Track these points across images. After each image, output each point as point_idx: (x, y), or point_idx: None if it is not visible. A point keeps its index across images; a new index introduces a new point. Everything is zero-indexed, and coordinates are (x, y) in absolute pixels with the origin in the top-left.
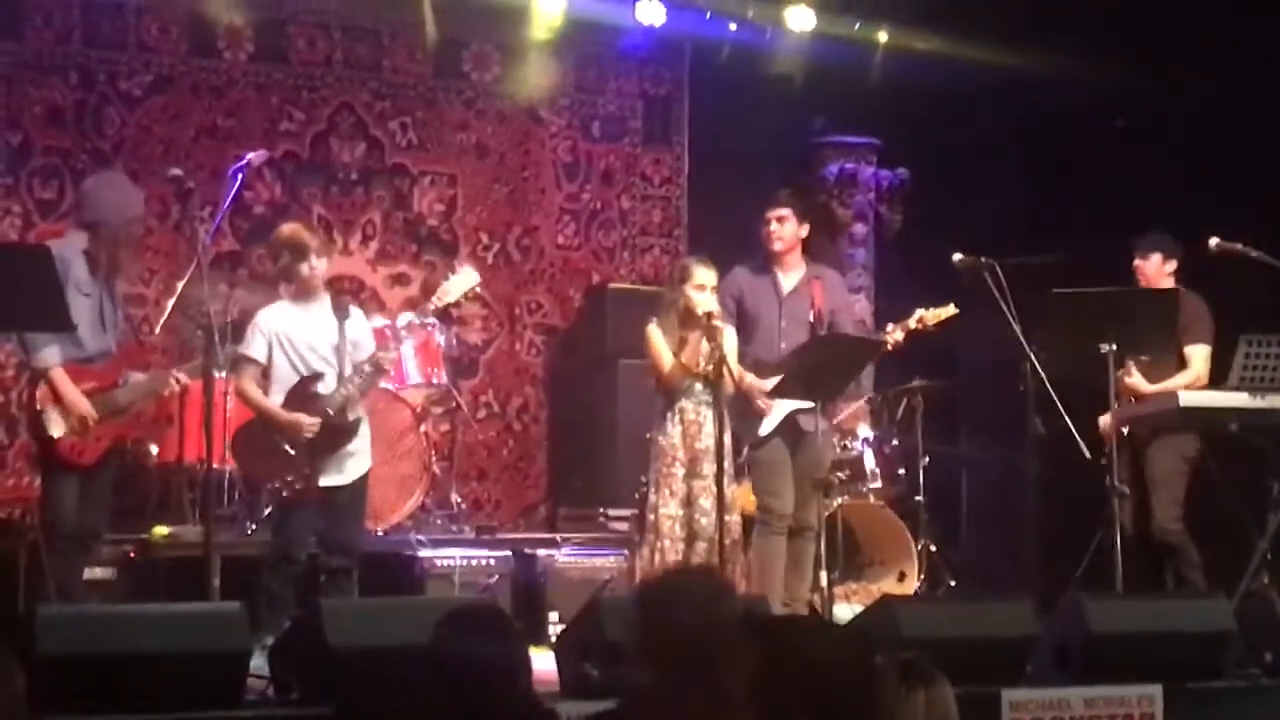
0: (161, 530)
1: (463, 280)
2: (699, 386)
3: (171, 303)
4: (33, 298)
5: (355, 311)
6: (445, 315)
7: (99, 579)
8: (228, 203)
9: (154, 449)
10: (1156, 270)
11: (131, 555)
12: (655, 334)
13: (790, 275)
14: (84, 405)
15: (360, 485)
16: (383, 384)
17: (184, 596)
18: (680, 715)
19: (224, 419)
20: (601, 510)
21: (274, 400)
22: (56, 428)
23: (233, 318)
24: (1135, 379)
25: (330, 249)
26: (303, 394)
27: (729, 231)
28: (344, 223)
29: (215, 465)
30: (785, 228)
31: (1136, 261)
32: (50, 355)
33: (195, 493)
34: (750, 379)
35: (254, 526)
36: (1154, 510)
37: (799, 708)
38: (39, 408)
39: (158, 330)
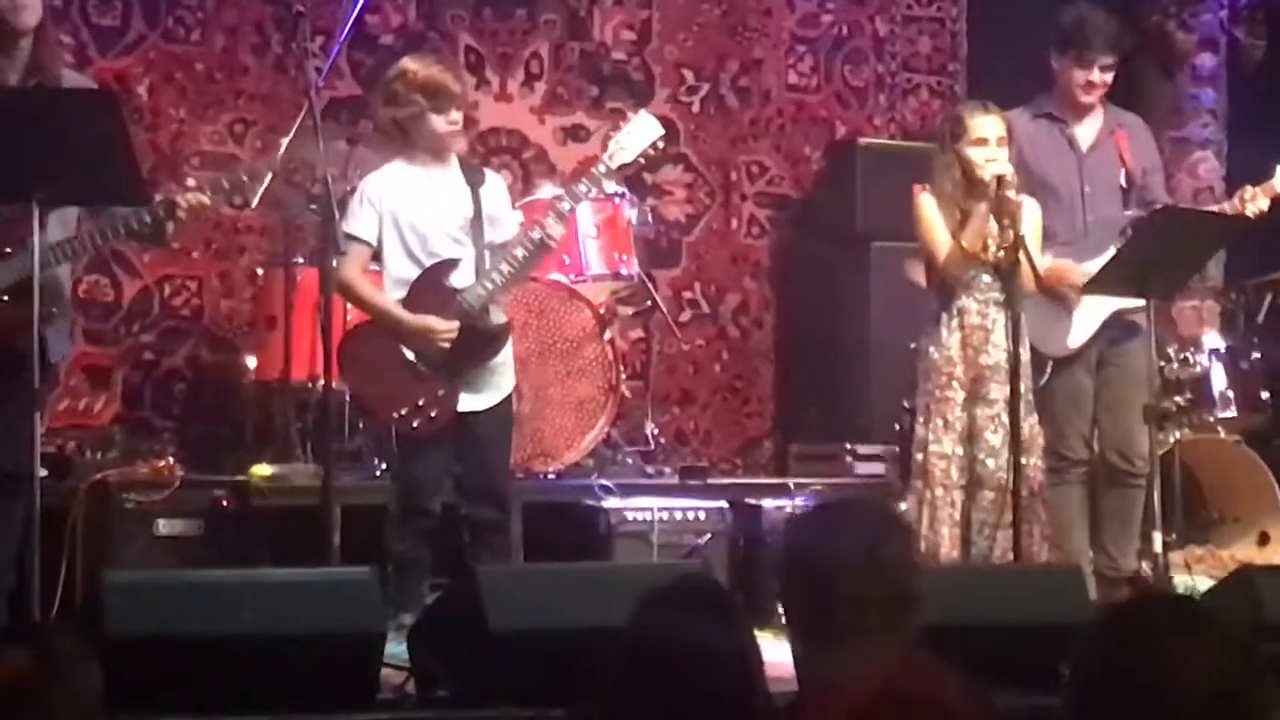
0: (262, 470)
1: (639, 133)
2: (986, 278)
3: (273, 166)
4: (93, 161)
5: (492, 177)
6: (636, 183)
7: (179, 534)
8: (346, 31)
9: (251, 361)
10: None
11: (224, 503)
12: (927, 205)
13: (1088, 125)
14: None
15: (504, 411)
16: (555, 276)
17: (294, 560)
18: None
19: (344, 321)
20: (849, 447)
21: (391, 296)
22: None
23: (354, 185)
24: None
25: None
26: (433, 288)
27: (1021, 67)
28: (499, 57)
29: (336, 384)
30: (1109, 77)
31: None
32: None
33: (307, 420)
34: (1060, 265)
35: (384, 466)
36: None
37: None
38: None
39: (255, 203)
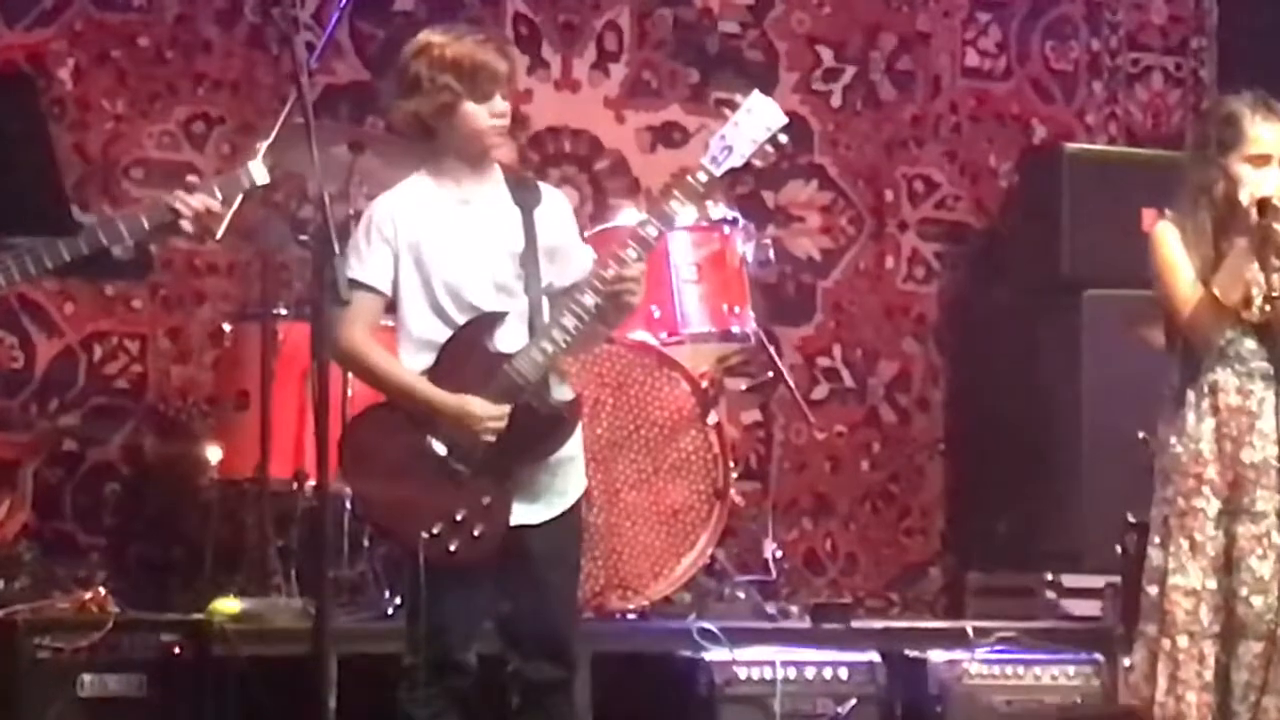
0: (228, 607)
1: (753, 122)
2: (1249, 344)
3: (247, 180)
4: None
5: (550, 194)
6: (753, 204)
7: (113, 694)
8: None
9: (213, 454)
10: None
11: (175, 651)
12: (1168, 239)
13: None
14: None
15: (571, 525)
16: (640, 335)
17: None
18: None
19: (344, 397)
20: (1050, 578)
21: (411, 366)
22: None
23: (358, 208)
24: None
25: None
26: (471, 354)
27: None
28: (562, 29)
29: (335, 487)
30: None
31: None
32: None
33: (291, 536)
34: None
35: (398, 601)
36: None
37: None
38: None
39: (220, 233)
